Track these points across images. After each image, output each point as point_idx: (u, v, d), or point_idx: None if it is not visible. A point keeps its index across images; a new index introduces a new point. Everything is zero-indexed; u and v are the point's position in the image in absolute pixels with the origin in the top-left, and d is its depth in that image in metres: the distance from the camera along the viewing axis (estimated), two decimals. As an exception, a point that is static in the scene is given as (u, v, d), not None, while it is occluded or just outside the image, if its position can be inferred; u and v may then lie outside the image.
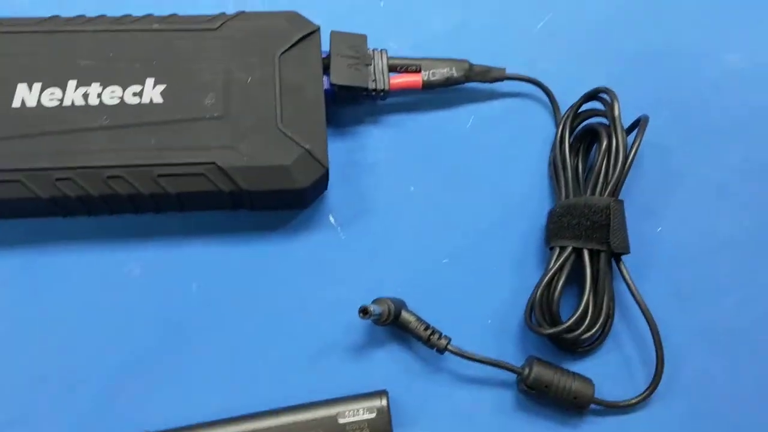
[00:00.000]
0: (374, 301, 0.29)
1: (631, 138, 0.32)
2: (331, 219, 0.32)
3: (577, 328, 0.30)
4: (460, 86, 0.34)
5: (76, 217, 0.31)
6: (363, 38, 0.32)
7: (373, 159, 0.34)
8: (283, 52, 0.30)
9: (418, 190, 0.33)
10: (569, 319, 0.29)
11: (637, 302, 0.30)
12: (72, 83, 0.29)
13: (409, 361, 0.31)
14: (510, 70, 0.34)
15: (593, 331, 0.30)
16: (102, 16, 0.31)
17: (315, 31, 0.31)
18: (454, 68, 0.33)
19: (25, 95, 0.28)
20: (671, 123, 0.35)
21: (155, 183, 0.28)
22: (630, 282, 0.30)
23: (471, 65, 0.33)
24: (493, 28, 0.36)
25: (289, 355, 0.30)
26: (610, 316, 0.31)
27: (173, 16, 0.31)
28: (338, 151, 0.33)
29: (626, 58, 0.36)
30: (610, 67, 0.36)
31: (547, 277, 0.30)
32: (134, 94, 0.29)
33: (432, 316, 0.30)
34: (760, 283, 0.33)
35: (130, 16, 0.31)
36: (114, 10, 0.31)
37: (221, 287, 0.31)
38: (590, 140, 0.33)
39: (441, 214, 0.33)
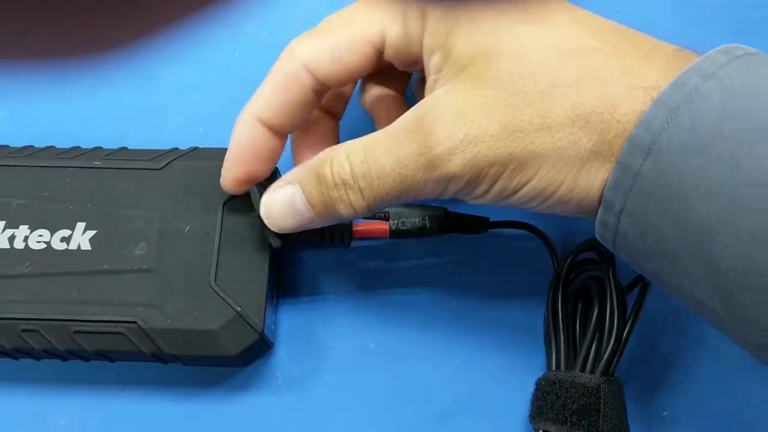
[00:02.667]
0: None
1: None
2: (278, 376, 0.29)
3: None
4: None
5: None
6: None
7: (332, 310, 0.30)
8: (229, 199, 0.28)
9: (379, 347, 0.30)
10: None
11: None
12: (0, 224, 0.27)
13: None
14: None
15: None
16: (49, 148, 0.29)
17: (273, 173, 0.28)
18: (427, 218, 0.29)
19: (-48, 236, 0.27)
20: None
21: (71, 339, 0.26)
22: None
23: (447, 213, 0.30)
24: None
25: None
26: None
27: (122, 150, 0.29)
28: (294, 299, 0.30)
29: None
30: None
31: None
32: (62, 240, 0.27)
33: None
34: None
35: (78, 148, 0.29)
36: (69, 132, 0.30)
37: (150, 447, 0.28)
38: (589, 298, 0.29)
39: (404, 379, 0.29)
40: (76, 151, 0.29)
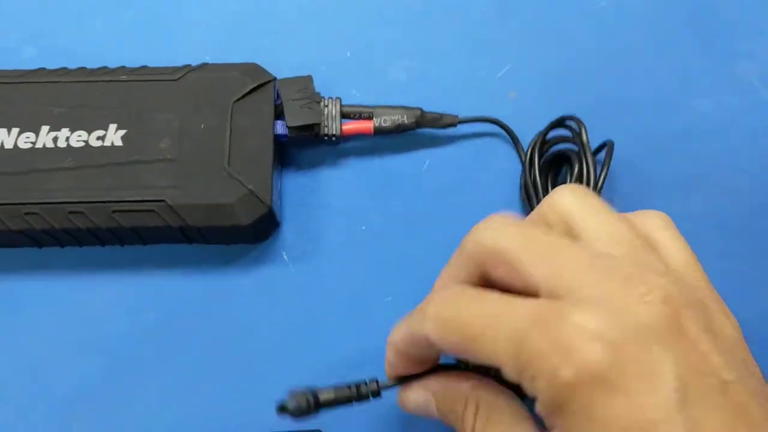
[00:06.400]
0: (290, 395, 0.25)
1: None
2: (284, 255, 0.34)
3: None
4: (415, 131, 0.35)
5: (50, 249, 0.34)
6: (309, 79, 0.34)
7: (327, 199, 0.35)
8: (236, 100, 0.33)
9: (369, 229, 0.35)
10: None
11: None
12: (45, 128, 0.32)
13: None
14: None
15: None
16: (81, 68, 0.34)
17: (270, 81, 0.34)
18: (405, 115, 0.35)
19: (5, 138, 0.32)
20: (631, 177, 0.35)
21: (111, 218, 0.31)
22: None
23: (423, 112, 0.35)
24: (453, 78, 0.38)
25: (237, 388, 0.32)
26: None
27: (143, 68, 0.34)
28: (294, 191, 0.35)
29: (589, 108, 0.36)
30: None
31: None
32: (98, 138, 0.32)
33: (375, 352, 0.31)
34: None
35: (105, 67, 0.34)
36: (94, 62, 0.35)
37: (177, 318, 0.33)
38: (558, 166, 0.35)
39: (391, 255, 0.34)
40: (103, 70, 0.34)
